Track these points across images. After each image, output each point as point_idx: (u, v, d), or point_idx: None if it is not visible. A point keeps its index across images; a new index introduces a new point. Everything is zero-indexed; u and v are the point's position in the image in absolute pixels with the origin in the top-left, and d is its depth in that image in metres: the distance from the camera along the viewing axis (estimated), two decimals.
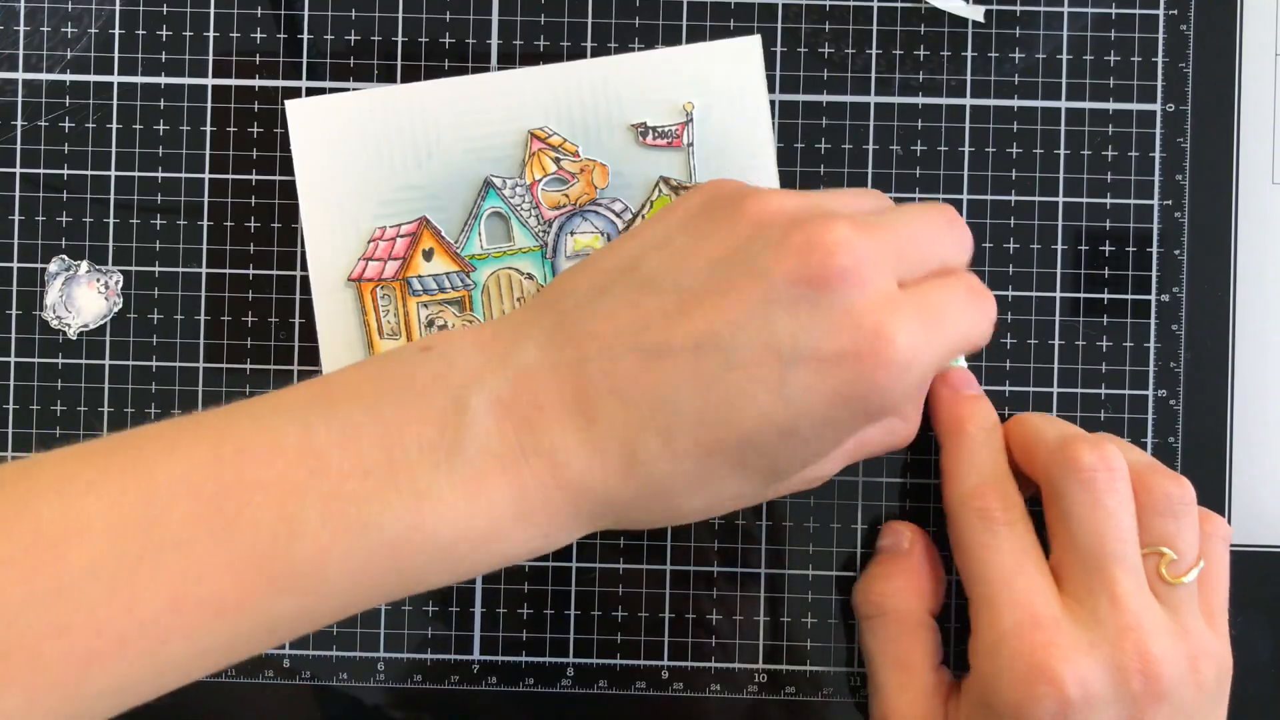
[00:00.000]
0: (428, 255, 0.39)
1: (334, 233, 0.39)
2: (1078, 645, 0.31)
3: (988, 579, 0.33)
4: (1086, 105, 0.39)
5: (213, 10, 0.39)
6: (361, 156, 0.39)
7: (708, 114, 0.39)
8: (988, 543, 0.33)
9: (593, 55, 0.39)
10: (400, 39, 0.39)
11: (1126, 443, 0.36)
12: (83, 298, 0.39)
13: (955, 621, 0.39)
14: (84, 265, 0.39)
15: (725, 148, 0.39)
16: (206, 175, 0.39)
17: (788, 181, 0.39)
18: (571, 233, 0.39)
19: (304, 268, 0.39)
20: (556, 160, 0.39)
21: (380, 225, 0.39)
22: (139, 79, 0.39)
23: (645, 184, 0.39)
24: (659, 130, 0.39)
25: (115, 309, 0.39)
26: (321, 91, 0.39)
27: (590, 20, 0.39)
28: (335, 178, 0.39)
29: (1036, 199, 0.39)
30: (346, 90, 0.39)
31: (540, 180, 0.39)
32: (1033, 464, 0.35)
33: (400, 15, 0.39)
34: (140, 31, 0.39)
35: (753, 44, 0.39)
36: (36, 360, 0.39)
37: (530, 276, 0.39)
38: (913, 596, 0.36)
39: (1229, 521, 0.39)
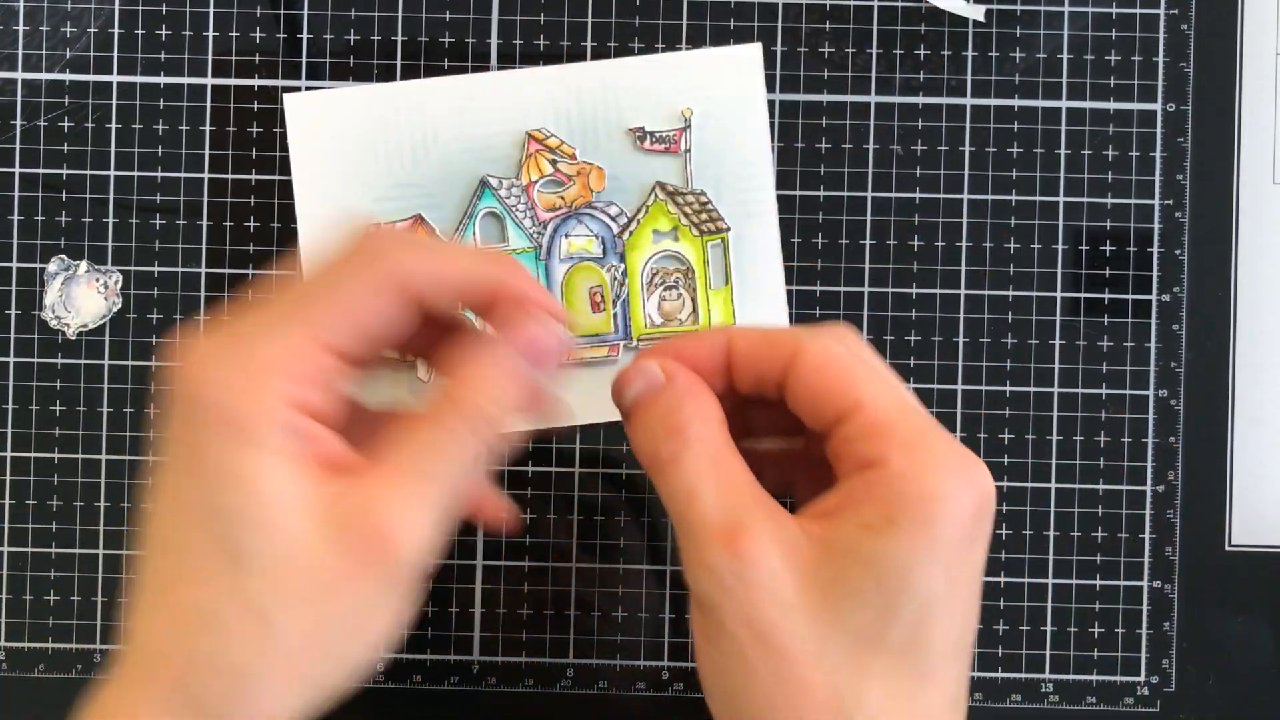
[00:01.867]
0: None
1: (328, 227, 0.39)
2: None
3: None
4: (1087, 105, 0.39)
5: (212, 10, 0.39)
6: (358, 152, 0.39)
7: (706, 120, 0.39)
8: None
9: (593, 56, 0.39)
10: (400, 38, 0.39)
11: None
12: (82, 297, 0.39)
13: None
14: (83, 265, 0.39)
15: (723, 154, 0.39)
16: (206, 175, 0.39)
17: (787, 181, 0.39)
18: (566, 235, 0.39)
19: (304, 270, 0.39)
20: (553, 162, 0.38)
21: (374, 221, 0.38)
22: (138, 78, 0.39)
23: (642, 189, 0.39)
24: (657, 135, 0.38)
25: (115, 309, 0.39)
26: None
27: (590, 20, 0.39)
28: (331, 172, 0.39)
29: (1037, 199, 0.39)
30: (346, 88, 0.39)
31: (536, 182, 0.39)
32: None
33: (400, 15, 0.39)
34: (139, 31, 0.39)
35: (753, 52, 0.39)
36: (36, 360, 0.39)
37: None
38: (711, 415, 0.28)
39: (1230, 522, 0.39)
